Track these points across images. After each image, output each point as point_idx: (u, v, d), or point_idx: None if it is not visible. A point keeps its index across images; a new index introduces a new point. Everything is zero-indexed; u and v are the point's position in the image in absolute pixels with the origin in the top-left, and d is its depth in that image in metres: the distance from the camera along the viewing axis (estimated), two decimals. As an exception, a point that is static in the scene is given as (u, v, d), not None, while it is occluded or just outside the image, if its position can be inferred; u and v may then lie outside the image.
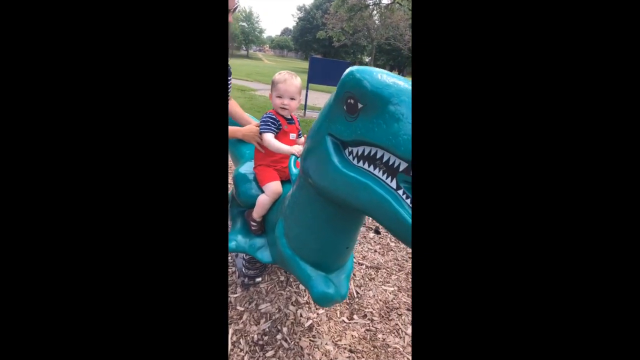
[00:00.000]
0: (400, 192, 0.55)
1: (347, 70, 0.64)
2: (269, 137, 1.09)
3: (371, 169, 0.60)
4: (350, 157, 0.65)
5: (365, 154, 0.61)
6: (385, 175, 0.57)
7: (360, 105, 0.60)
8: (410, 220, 0.52)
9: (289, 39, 53.40)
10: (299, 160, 0.98)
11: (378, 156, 0.58)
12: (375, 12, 20.55)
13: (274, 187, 1.12)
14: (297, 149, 1.06)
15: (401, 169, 0.55)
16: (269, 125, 1.11)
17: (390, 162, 0.56)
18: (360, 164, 0.62)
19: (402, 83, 0.57)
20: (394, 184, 0.56)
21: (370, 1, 18.14)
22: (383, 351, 1.22)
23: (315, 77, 5.48)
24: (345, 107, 0.63)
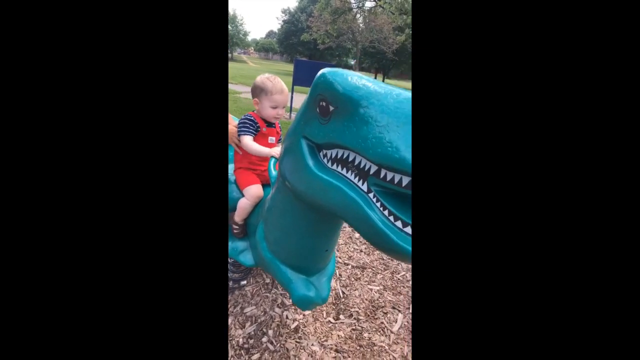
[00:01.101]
0: (371, 195, 0.55)
1: (320, 72, 0.64)
2: (247, 140, 1.08)
3: (344, 171, 0.60)
4: (325, 160, 0.64)
5: (339, 156, 0.61)
6: (357, 178, 0.57)
7: (332, 108, 0.59)
8: (378, 223, 0.51)
9: (274, 41, 53.25)
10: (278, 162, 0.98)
11: (350, 159, 0.58)
12: (359, 15, 20.80)
13: (254, 190, 1.11)
14: (277, 150, 1.06)
15: (371, 172, 0.54)
16: (247, 127, 1.09)
17: (362, 165, 0.56)
18: (334, 166, 0.62)
19: (372, 86, 0.56)
20: (365, 187, 0.56)
21: (354, 4, 18.36)
22: (369, 350, 1.23)
23: (300, 79, 5.49)
24: (317, 110, 0.62)
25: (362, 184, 0.56)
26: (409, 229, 0.50)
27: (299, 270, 0.92)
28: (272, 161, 1.11)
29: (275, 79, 1.11)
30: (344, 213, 0.58)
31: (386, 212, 0.52)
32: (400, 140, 0.48)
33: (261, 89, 1.08)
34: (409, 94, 0.52)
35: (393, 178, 0.51)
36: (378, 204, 0.53)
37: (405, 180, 0.49)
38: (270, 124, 1.15)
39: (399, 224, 0.50)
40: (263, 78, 1.10)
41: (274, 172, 1.09)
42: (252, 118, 1.11)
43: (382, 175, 0.52)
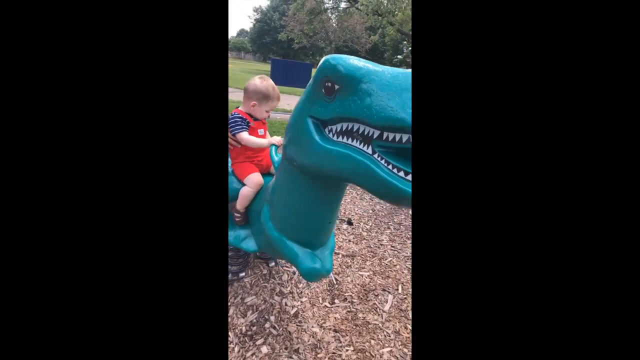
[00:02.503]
0: (376, 155, 0.65)
1: (323, 59, 0.74)
2: (245, 135, 1.15)
3: (349, 141, 0.70)
4: (330, 135, 0.75)
5: (344, 129, 0.71)
6: (362, 144, 0.67)
7: (337, 87, 0.70)
8: (386, 177, 0.62)
9: (246, 40, 52.46)
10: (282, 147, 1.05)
11: (355, 129, 0.69)
12: (333, 15, 21.00)
13: (255, 178, 1.18)
14: (277, 138, 1.14)
15: (375, 136, 0.64)
16: (240, 124, 1.15)
17: (366, 133, 0.66)
18: (340, 138, 0.72)
19: (371, 66, 0.68)
20: (370, 150, 0.66)
21: (329, 4, 18.53)
22: (364, 328, 1.33)
23: (278, 78, 5.54)
24: (323, 90, 0.73)
25: (367, 148, 0.66)
26: (409, 177, 0.60)
27: (305, 245, 1.00)
28: (274, 148, 1.19)
29: (276, 87, 1.21)
30: (353, 175, 0.68)
31: (390, 167, 0.62)
32: (399, 105, 0.59)
33: (264, 94, 1.17)
34: (403, 70, 0.64)
35: (394, 137, 0.61)
36: (382, 162, 0.64)
37: (405, 137, 0.60)
38: (256, 117, 1.23)
39: (401, 174, 0.61)
40: (265, 84, 1.17)
41: (276, 158, 1.17)
42: (241, 115, 1.18)
43: (384, 137, 0.62)
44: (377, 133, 0.64)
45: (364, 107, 0.63)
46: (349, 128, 0.70)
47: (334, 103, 0.71)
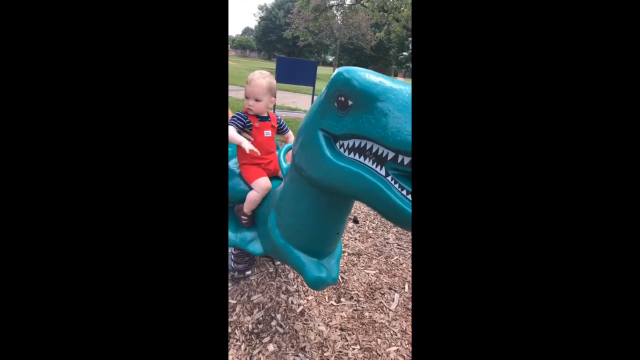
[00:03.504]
0: (389, 178, 0.62)
1: (336, 71, 0.70)
2: (230, 130, 1.13)
3: (362, 159, 0.66)
4: (342, 150, 0.71)
5: (356, 146, 0.67)
6: (375, 164, 0.64)
7: (350, 102, 0.66)
8: (399, 202, 0.59)
9: (251, 38, 52.57)
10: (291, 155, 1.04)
11: (367, 147, 0.65)
12: (338, 12, 20.92)
13: (263, 182, 1.17)
14: (246, 144, 1.09)
15: (389, 158, 0.61)
16: (234, 120, 1.16)
17: (379, 153, 0.62)
18: (352, 155, 0.68)
19: (388, 82, 0.64)
20: (383, 172, 0.62)
21: (334, 1, 18.45)
22: (370, 327, 1.33)
23: (283, 76, 5.48)
24: (336, 104, 0.69)
25: (380, 169, 0.63)
26: None
27: (311, 254, 0.98)
28: (283, 154, 1.17)
29: (256, 73, 1.18)
30: (364, 196, 0.65)
31: (404, 192, 0.59)
32: None
33: (247, 81, 1.18)
34: None
35: (410, 162, 0.58)
36: (396, 186, 0.61)
37: None
38: (262, 118, 1.21)
39: None
40: (251, 73, 1.19)
41: (284, 164, 1.16)
42: (243, 114, 1.18)
43: (399, 160, 0.59)
44: (391, 154, 0.61)
45: (379, 127, 0.60)
46: (362, 145, 0.66)
47: (347, 119, 0.67)
